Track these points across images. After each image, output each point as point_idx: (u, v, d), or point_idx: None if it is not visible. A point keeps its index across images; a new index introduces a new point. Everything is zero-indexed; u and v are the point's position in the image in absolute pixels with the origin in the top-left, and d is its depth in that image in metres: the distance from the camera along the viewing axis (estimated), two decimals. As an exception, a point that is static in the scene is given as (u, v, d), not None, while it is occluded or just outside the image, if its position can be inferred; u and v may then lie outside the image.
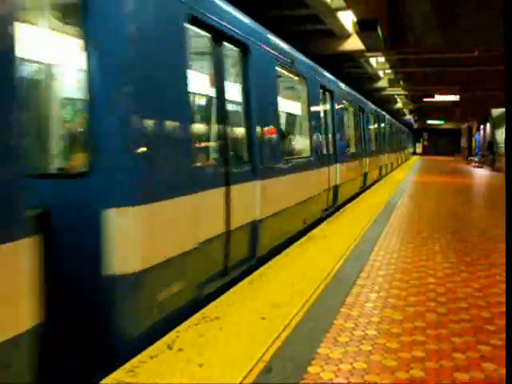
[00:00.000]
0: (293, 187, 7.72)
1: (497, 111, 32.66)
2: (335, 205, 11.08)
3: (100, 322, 3.60)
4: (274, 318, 4.45)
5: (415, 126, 63.38)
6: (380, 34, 13.08)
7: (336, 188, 11.02)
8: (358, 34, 14.18)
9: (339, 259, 6.67)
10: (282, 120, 9.92)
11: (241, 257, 5.68)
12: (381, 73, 27.44)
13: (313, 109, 9.49)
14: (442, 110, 42.22)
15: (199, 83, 5.61)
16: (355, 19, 13.43)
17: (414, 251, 7.34)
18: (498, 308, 4.89)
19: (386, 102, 37.18)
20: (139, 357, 3.57)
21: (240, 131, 6.17)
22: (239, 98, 6.08)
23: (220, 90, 5.43)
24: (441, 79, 25.74)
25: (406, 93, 33.47)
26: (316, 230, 8.73)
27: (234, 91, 5.96)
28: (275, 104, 7.16)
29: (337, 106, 11.88)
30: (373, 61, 23.44)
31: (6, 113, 2.39)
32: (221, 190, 5.08)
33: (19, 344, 2.42)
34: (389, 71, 26.70)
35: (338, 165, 11.29)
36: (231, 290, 5.21)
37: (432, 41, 15.06)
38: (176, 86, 4.39)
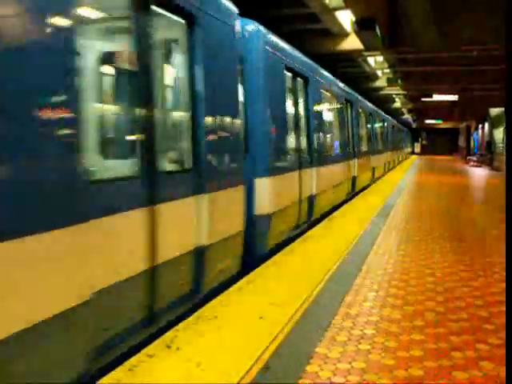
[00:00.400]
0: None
1: (495, 111, 32.68)
2: (310, 219, 9.07)
3: (252, 239, 6.26)
4: (272, 317, 4.45)
5: (414, 125, 63.42)
6: (378, 33, 13.08)
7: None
8: (357, 33, 14.19)
9: (338, 258, 6.67)
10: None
11: (304, 218, 8.60)
12: (379, 72, 27.43)
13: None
14: (441, 109, 42.28)
15: (289, 106, 8.33)
16: (353, 18, 13.43)
17: (412, 250, 7.34)
18: (496, 307, 4.89)
19: (384, 102, 37.19)
20: (138, 356, 3.57)
21: (304, 137, 9.07)
22: (304, 113, 9.19)
23: (296, 109, 8.70)
24: (439, 79, 25.77)
25: (404, 92, 33.47)
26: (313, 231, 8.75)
27: (301, 109, 9.01)
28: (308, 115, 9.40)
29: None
30: (371, 60, 23.44)
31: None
32: (296, 172, 8.20)
33: (238, 236, 5.53)
34: (387, 70, 26.69)
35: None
36: (229, 289, 5.21)
37: (430, 40, 15.06)
38: (283, 110, 7.79)
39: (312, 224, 9.16)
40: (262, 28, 6.95)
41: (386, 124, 26.64)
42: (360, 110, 16.62)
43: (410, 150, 57.39)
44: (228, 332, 4.10)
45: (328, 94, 11.34)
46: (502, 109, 26.06)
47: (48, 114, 2.81)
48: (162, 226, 3.88)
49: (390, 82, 28.82)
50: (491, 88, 24.79)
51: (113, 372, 3.33)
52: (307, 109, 9.28)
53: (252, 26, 6.81)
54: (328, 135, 11.40)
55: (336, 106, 12.45)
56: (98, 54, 4.48)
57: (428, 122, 56.87)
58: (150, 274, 3.80)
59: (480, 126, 44.60)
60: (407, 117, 56.32)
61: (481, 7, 13.01)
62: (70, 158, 2.99)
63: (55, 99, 2.88)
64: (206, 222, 4.64)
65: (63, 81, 2.95)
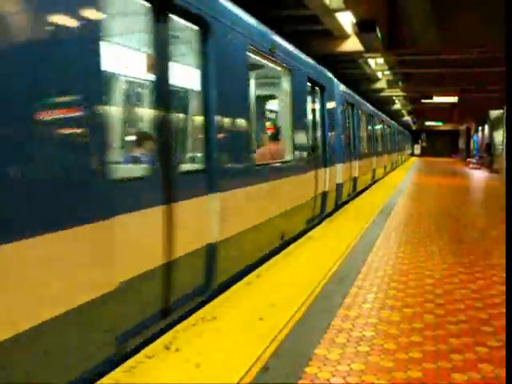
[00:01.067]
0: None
1: (495, 113, 32.66)
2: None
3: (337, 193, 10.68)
4: (271, 318, 4.45)
5: (413, 127, 63.42)
6: (379, 34, 13.08)
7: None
8: (357, 34, 14.19)
9: (337, 259, 6.67)
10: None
11: (332, 206, 10.73)
12: (379, 74, 27.44)
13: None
14: (441, 111, 42.28)
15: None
16: (354, 20, 13.44)
17: (411, 252, 7.35)
18: (495, 309, 4.90)
19: (384, 104, 37.21)
20: (137, 357, 3.57)
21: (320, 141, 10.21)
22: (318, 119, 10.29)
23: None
24: (439, 80, 25.78)
25: (404, 94, 33.48)
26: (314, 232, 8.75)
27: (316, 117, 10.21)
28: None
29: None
30: (371, 62, 23.45)
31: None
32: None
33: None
34: (387, 72, 26.70)
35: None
36: (229, 290, 5.21)
37: (430, 41, 15.07)
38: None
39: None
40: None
41: (385, 126, 26.79)
42: (361, 113, 17.11)
43: (409, 151, 57.42)
44: (227, 333, 4.10)
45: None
46: (502, 111, 26.10)
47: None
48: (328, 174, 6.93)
49: (390, 83, 28.84)
50: (491, 90, 24.80)
51: (112, 373, 3.33)
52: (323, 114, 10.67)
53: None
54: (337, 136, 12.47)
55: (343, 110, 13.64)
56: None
57: (428, 123, 56.90)
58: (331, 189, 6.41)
59: (480, 128, 44.62)
60: (407, 119, 56.32)
61: (480, 8, 13.02)
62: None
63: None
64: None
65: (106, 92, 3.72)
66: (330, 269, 6.20)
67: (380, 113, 25.08)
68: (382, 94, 31.53)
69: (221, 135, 5.10)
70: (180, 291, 4.27)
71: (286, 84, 7.93)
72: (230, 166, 5.37)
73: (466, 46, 16.14)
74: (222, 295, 5.04)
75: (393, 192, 16.36)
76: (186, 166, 4.87)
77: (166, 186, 4.03)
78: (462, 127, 55.59)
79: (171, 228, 4.04)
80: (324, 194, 9.76)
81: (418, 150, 66.05)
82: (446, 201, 14.66)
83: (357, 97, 16.23)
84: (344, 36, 16.53)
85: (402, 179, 22.71)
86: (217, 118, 4.97)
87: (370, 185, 18.08)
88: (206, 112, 4.88)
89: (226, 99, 5.17)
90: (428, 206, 13.05)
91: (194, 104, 5.27)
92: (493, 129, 34.56)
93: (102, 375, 3.29)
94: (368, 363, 3.66)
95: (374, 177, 19.23)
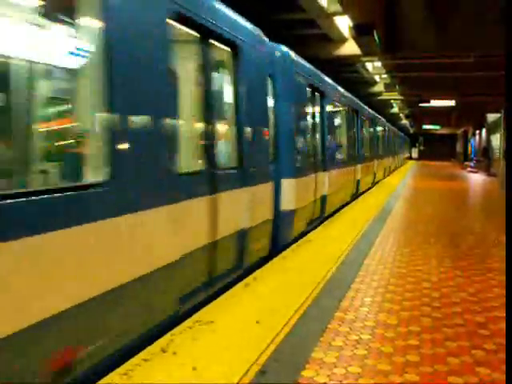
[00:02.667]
0: None
1: (492, 116, 32.76)
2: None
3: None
4: (268, 321, 4.45)
5: (411, 130, 63.56)
6: (376, 38, 13.13)
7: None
8: (355, 38, 14.24)
9: (335, 263, 6.68)
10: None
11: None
12: (377, 77, 27.51)
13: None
14: (438, 115, 42.36)
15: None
16: (351, 24, 13.48)
17: (409, 256, 7.35)
18: (492, 313, 4.90)
19: (382, 107, 37.27)
20: (133, 360, 3.57)
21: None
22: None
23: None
24: (437, 84, 25.83)
25: (401, 98, 33.55)
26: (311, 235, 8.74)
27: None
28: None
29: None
30: (369, 65, 23.51)
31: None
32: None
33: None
34: (385, 76, 26.76)
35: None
36: (226, 293, 5.21)
37: (427, 45, 15.12)
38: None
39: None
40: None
41: (376, 126, 26.92)
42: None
43: (407, 155, 57.54)
44: (224, 336, 4.10)
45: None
46: (499, 115, 26.16)
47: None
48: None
49: (388, 87, 28.90)
50: (488, 94, 24.86)
51: (108, 376, 3.33)
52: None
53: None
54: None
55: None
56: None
57: (425, 127, 57.02)
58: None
59: (477, 131, 44.73)
60: (405, 122, 56.45)
61: (477, 14, 13.07)
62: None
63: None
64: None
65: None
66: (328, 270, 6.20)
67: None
68: (380, 97, 31.60)
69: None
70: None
71: None
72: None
73: (463, 50, 16.18)
74: (218, 298, 5.04)
75: (389, 196, 16.36)
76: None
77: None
78: (460, 131, 55.73)
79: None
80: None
81: (415, 153, 66.21)
82: (444, 205, 14.67)
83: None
84: (341, 40, 16.57)
85: (397, 184, 22.73)
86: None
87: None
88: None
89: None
90: (425, 210, 13.05)
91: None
92: (490, 132, 34.66)
93: (99, 378, 3.29)
94: (365, 366, 3.66)
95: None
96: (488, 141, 35.26)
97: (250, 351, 3.81)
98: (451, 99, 28.80)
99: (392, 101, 37.52)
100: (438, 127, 56.57)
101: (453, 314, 4.87)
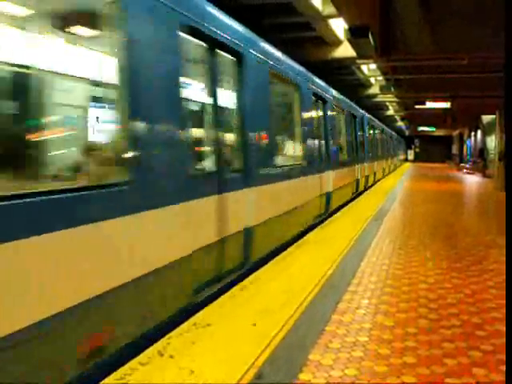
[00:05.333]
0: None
1: (488, 118, 32.86)
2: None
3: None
4: (265, 324, 4.45)
5: (407, 132, 63.67)
6: (371, 41, 13.15)
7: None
8: (350, 41, 14.25)
9: (331, 265, 6.68)
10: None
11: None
12: (372, 79, 27.56)
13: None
14: (434, 116, 42.42)
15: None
16: (346, 26, 13.50)
17: (405, 257, 7.36)
18: (488, 314, 4.91)
19: (377, 109, 37.34)
20: (130, 364, 3.56)
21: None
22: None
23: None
24: (432, 86, 25.90)
25: (397, 100, 33.62)
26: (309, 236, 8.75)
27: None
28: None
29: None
30: (364, 68, 23.55)
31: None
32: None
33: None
34: (380, 78, 26.81)
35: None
36: (222, 296, 5.21)
37: (422, 48, 15.16)
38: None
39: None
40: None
41: (382, 132, 27.22)
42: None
43: (403, 157, 57.63)
44: (221, 339, 4.10)
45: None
46: (494, 116, 26.22)
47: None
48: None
49: (383, 89, 28.96)
50: (483, 96, 24.94)
51: (105, 380, 3.32)
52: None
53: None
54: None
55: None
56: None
57: (421, 129, 57.14)
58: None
59: (473, 133, 44.86)
60: (400, 124, 56.56)
61: (472, 16, 13.12)
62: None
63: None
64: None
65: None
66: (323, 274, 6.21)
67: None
68: (376, 99, 31.65)
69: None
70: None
71: None
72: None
73: (458, 52, 16.23)
74: (215, 301, 5.04)
75: (387, 196, 16.39)
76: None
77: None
78: (455, 132, 55.89)
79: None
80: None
81: (411, 155, 66.35)
82: (440, 206, 14.70)
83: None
84: (336, 42, 16.60)
85: (395, 185, 22.77)
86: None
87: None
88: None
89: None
90: (421, 213, 13.08)
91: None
92: (485, 134, 34.77)
93: (96, 382, 3.28)
94: (362, 368, 3.66)
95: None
96: (484, 142, 35.36)
97: (247, 354, 3.81)
98: (446, 101, 28.87)
99: (387, 103, 37.60)
100: (433, 129, 56.72)
101: (449, 315, 4.88)
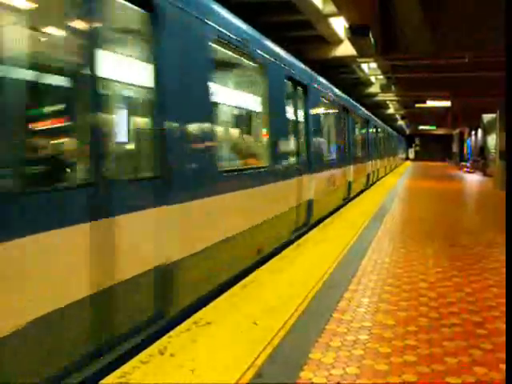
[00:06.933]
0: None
1: (488, 117, 32.84)
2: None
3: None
4: (266, 323, 4.45)
5: (407, 131, 63.66)
6: (372, 39, 13.14)
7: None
8: (350, 39, 14.24)
9: (332, 264, 6.68)
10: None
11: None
12: (373, 78, 27.54)
13: None
14: (434, 115, 42.44)
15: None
16: (347, 25, 13.50)
17: (405, 256, 7.37)
18: (489, 312, 4.91)
19: (378, 108, 37.32)
20: (131, 362, 3.56)
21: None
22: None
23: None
24: (432, 85, 25.89)
25: (397, 98, 33.60)
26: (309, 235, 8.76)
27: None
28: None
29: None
30: (364, 66, 23.54)
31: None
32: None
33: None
34: (381, 77, 26.80)
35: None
36: (223, 295, 5.21)
37: (423, 46, 15.14)
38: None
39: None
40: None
41: (383, 131, 27.31)
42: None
43: (404, 155, 57.64)
44: (222, 338, 4.10)
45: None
46: (495, 115, 26.21)
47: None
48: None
49: (384, 88, 28.94)
50: (484, 94, 24.93)
51: (106, 378, 3.32)
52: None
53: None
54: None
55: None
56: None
57: (422, 127, 57.13)
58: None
59: (473, 132, 44.84)
60: (401, 123, 56.55)
61: (473, 15, 13.11)
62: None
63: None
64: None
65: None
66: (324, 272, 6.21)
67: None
68: (376, 98, 31.64)
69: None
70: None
71: None
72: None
73: (458, 51, 16.22)
74: (216, 300, 5.04)
75: (387, 195, 16.38)
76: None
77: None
78: (456, 131, 55.85)
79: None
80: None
81: (411, 154, 66.36)
82: (440, 205, 14.70)
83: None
84: (337, 41, 16.60)
85: (396, 183, 22.76)
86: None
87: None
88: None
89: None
90: (421, 211, 13.07)
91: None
92: (486, 133, 34.74)
93: (96, 381, 3.29)
94: (363, 367, 3.66)
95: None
96: (484, 141, 35.34)
97: (248, 352, 3.81)
98: (447, 100, 28.86)
99: (388, 102, 37.58)
100: (434, 128, 56.71)
101: (450, 313, 4.88)
